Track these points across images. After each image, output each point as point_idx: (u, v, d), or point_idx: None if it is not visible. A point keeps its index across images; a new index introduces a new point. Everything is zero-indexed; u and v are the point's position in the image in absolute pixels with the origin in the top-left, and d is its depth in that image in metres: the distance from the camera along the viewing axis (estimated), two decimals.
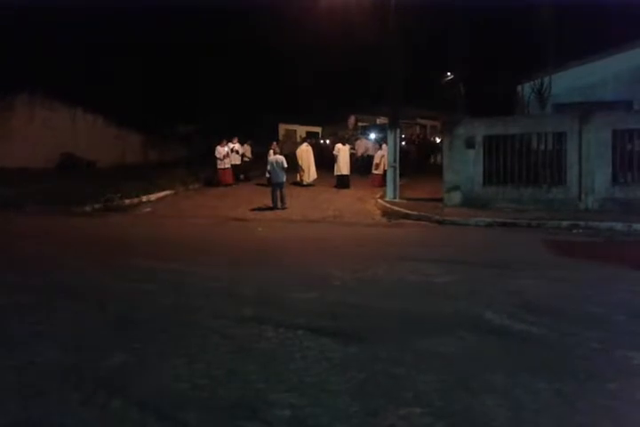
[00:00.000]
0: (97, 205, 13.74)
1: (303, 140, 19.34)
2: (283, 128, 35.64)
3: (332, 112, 33.01)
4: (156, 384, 3.51)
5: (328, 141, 24.13)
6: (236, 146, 18.52)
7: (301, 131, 33.76)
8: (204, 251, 8.22)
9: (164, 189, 16.33)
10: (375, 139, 24.70)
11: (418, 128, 41.24)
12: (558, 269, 6.71)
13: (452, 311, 4.97)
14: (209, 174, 18.45)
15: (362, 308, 5.15)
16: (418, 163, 21.07)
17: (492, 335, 4.33)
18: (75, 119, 25.69)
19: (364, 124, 33.52)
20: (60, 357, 3.96)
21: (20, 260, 7.53)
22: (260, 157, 19.27)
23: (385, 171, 15.17)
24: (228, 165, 18.05)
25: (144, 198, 14.96)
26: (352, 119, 23.43)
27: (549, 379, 3.50)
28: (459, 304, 5.17)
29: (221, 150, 17.77)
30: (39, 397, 3.36)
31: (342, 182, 16.92)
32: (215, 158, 17.94)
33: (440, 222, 11.25)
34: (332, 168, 17.67)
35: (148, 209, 13.70)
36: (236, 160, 18.51)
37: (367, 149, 19.28)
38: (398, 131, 13.76)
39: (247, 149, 19.66)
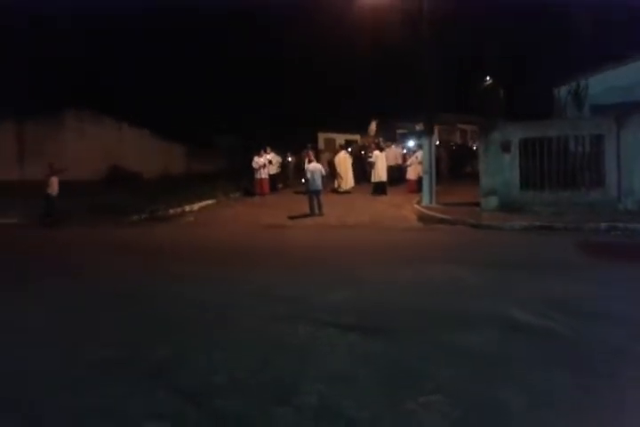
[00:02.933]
0: (143, 216, 14.27)
1: (341, 149, 19.59)
2: (322, 137, 35.95)
3: (370, 120, 33.20)
4: (195, 376, 3.81)
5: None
6: (270, 156, 18.94)
7: (340, 139, 33.98)
8: (242, 256, 8.55)
9: (205, 199, 16.81)
10: (413, 145, 24.67)
11: (458, 133, 40.99)
12: (588, 270, 6.76)
13: (479, 310, 5.12)
14: (247, 184, 18.90)
15: (390, 306, 5.36)
16: (451, 170, 20.96)
17: (516, 332, 4.47)
18: (121, 133, 26.66)
19: (403, 131, 33.56)
20: (111, 353, 4.30)
21: (73, 266, 8.01)
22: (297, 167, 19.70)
23: (420, 177, 15.25)
24: (265, 175, 18.47)
25: (187, 208, 15.45)
26: (372, 125, 23.22)
27: (568, 374, 3.64)
28: (486, 303, 5.32)
29: (258, 161, 18.21)
30: (96, 387, 3.71)
31: (379, 189, 17.09)
32: (252, 169, 18.40)
33: (476, 226, 11.29)
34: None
35: (191, 218, 14.16)
36: (272, 170, 18.93)
37: (396, 158, 19.33)
38: (433, 137, 13.90)
39: (277, 159, 20.01)
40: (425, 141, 13.94)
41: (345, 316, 5.04)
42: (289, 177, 21.15)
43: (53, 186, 14.20)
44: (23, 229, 13.04)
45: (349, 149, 19.21)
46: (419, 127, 35.86)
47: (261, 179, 18.37)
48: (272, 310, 5.27)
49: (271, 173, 18.91)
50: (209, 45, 28.03)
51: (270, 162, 18.76)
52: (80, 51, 24.20)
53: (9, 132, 23.09)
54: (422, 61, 13.46)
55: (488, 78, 34.28)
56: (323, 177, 14.25)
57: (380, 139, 21.21)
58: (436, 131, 42.47)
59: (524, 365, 3.78)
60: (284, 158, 20.88)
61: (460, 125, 39.63)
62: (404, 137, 31.74)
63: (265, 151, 18.81)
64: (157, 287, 6.50)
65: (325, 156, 17.57)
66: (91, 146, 23.92)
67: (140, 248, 9.69)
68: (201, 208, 15.94)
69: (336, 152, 19.66)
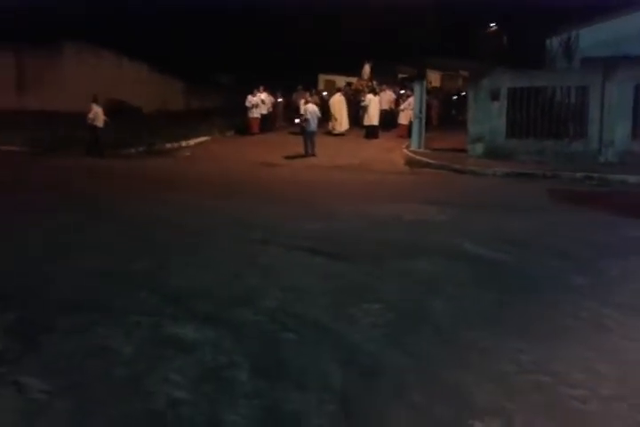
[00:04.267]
0: (141, 149, 14.69)
1: (337, 91, 19.71)
2: (322, 78, 35.72)
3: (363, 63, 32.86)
4: (174, 284, 4.39)
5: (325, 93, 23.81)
6: (263, 96, 19.03)
7: (340, 81, 33.77)
8: (231, 190, 9.08)
9: (202, 135, 17.19)
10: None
11: (461, 80, 40.56)
12: (550, 212, 7.30)
13: (435, 242, 5.69)
14: (239, 123, 19.01)
15: (357, 237, 5.92)
16: (443, 116, 21.06)
17: (462, 260, 5.04)
18: (121, 67, 26.53)
19: (404, 75, 33.31)
20: (100, 262, 4.89)
21: (71, 193, 8.54)
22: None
23: (411, 121, 15.55)
24: (257, 115, 18.62)
25: (183, 143, 15.86)
26: (366, 68, 22.87)
27: (496, 292, 4.23)
28: (444, 237, 5.88)
29: (252, 100, 18.36)
30: (84, 289, 4.30)
31: (371, 132, 17.41)
32: (246, 107, 18.52)
33: (459, 172, 11.77)
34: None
35: (187, 153, 14.62)
36: (263, 110, 19.05)
37: (390, 102, 19.41)
38: (424, 82, 14.11)
39: (270, 100, 19.97)
40: (416, 87, 14.17)
41: (314, 242, 5.59)
42: (278, 117, 21.29)
43: (99, 117, 14.11)
44: (25, 156, 13.49)
45: (341, 91, 19.22)
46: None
47: (253, 118, 18.55)
48: (249, 235, 5.83)
49: (263, 112, 19.03)
50: None
51: (263, 102, 18.90)
52: None
53: (8, 63, 23.05)
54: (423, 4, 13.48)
55: (492, 24, 33.76)
56: (318, 118, 14.57)
57: (374, 82, 21.24)
58: (438, 76, 41.99)
59: (458, 285, 4.36)
60: (276, 98, 20.98)
61: (462, 72, 39.14)
62: (407, 81, 31.56)
63: (259, 91, 18.90)
64: (147, 212, 7.06)
65: (314, 98, 17.66)
66: (90, 79, 23.86)
67: (135, 179, 10.20)
68: (197, 144, 16.34)
69: (318, 95, 19.62)
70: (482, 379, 2.89)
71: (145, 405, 2.70)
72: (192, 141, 16.36)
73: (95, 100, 14.30)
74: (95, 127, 13.98)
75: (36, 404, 2.72)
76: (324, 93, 23.72)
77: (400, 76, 33.85)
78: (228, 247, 5.44)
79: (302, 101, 15.41)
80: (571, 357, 3.15)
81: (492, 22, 35.80)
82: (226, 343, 3.34)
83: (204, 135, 17.38)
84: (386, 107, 18.87)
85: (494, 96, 13.02)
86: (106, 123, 14.12)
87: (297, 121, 15.83)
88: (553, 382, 2.85)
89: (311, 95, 18.87)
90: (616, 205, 7.97)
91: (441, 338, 3.40)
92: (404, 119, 17.55)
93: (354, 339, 3.39)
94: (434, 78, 41.34)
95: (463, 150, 13.69)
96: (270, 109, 19.86)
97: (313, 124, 14.11)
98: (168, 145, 15.20)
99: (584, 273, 4.62)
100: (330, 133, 18.38)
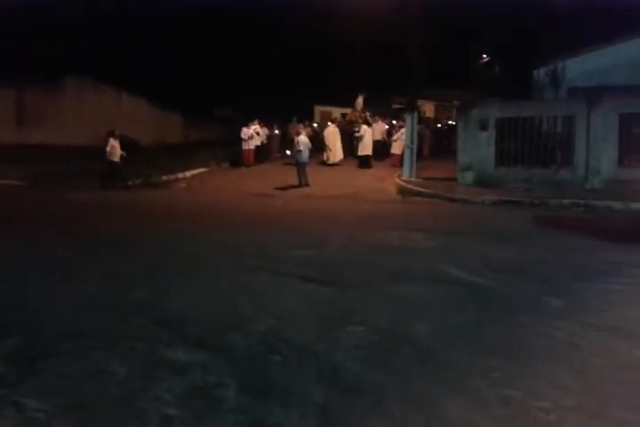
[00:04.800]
0: (137, 181, 14.99)
1: (332, 122, 20.19)
2: (318, 110, 36.43)
3: (371, 94, 33.57)
4: (169, 310, 4.59)
5: (316, 125, 24.45)
6: (257, 128, 19.46)
7: (336, 112, 34.44)
8: (225, 219, 9.33)
9: (198, 167, 17.54)
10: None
11: (455, 110, 41.31)
12: (535, 239, 7.54)
13: (421, 268, 5.91)
14: (235, 154, 19.30)
15: (347, 263, 6.14)
16: (434, 146, 21.50)
17: (446, 285, 5.25)
18: (120, 101, 27.11)
19: (398, 106, 33.95)
20: (98, 290, 5.09)
21: (70, 224, 8.77)
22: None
23: (404, 151, 15.92)
24: (251, 147, 18.98)
25: (180, 175, 16.19)
26: (360, 99, 23.43)
27: (476, 314, 4.43)
28: (429, 263, 6.10)
29: (247, 132, 18.78)
30: (85, 315, 4.49)
31: (365, 162, 17.79)
32: (241, 139, 18.90)
33: (449, 200, 12.06)
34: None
35: (183, 185, 14.91)
36: (258, 141, 19.44)
37: (382, 132, 19.86)
38: (415, 113, 14.54)
39: (264, 132, 20.35)
40: (408, 117, 14.58)
41: (305, 269, 5.81)
42: (273, 149, 21.71)
43: (116, 151, 14.21)
44: (23, 189, 13.76)
45: (334, 123, 19.69)
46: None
47: (248, 150, 18.92)
48: (243, 263, 6.04)
49: (257, 144, 19.41)
50: (208, 17, 28.24)
51: (258, 133, 19.32)
52: (80, 19, 24.48)
53: (8, 98, 23.56)
54: (410, 37, 13.99)
55: (485, 56, 34.69)
56: (309, 149, 14.92)
57: (368, 113, 21.74)
58: (432, 107, 42.64)
59: (441, 308, 4.56)
60: (272, 130, 21.44)
61: (456, 102, 39.93)
62: (401, 112, 32.19)
63: (253, 123, 19.33)
64: (144, 241, 7.29)
65: (307, 130, 18.11)
66: (90, 113, 24.40)
67: (131, 210, 10.47)
68: (193, 176, 16.66)
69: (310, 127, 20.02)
70: (455, 394, 3.08)
71: (139, 421, 2.88)
72: (188, 173, 16.69)
73: (112, 134, 14.46)
74: (112, 162, 14.11)
75: (36, 422, 2.90)
76: (315, 125, 24.28)
77: (394, 106, 34.58)
78: (222, 275, 5.65)
79: (295, 133, 15.81)
80: (539, 373, 3.34)
81: (485, 53, 36.82)
82: (215, 365, 3.52)
83: (201, 167, 17.73)
84: (379, 137, 19.29)
85: (483, 126, 13.41)
86: (122, 157, 14.26)
87: (288, 153, 16.15)
88: (520, 396, 3.04)
89: (305, 126, 19.33)
90: (598, 231, 8.21)
91: (420, 357, 3.60)
92: (396, 149, 17.94)
93: (337, 359, 3.58)
94: (428, 109, 42.14)
95: (454, 179, 14.02)
96: (265, 141, 20.28)
97: (305, 155, 14.46)
98: (164, 177, 15.51)
99: (560, 296, 4.83)
100: (324, 164, 18.76)
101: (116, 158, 14.18)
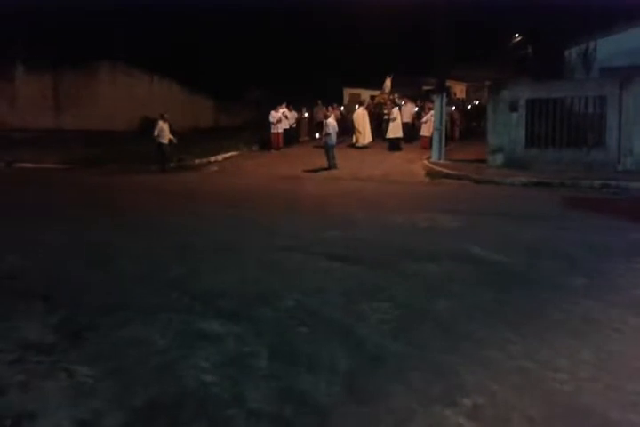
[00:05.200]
0: (171, 164, 15.30)
1: (360, 104, 20.16)
2: (347, 92, 36.31)
3: (401, 76, 33.33)
4: (203, 285, 4.84)
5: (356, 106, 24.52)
6: (285, 111, 19.52)
7: (365, 95, 34.30)
8: (256, 201, 9.55)
9: (229, 151, 17.78)
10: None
11: (486, 90, 40.66)
12: (561, 220, 7.57)
13: (446, 247, 6.03)
14: (264, 138, 19.48)
15: (374, 243, 6.30)
16: (464, 128, 21.29)
17: (469, 263, 5.38)
18: (152, 85, 27.50)
19: (429, 87, 33.62)
20: (137, 268, 5.38)
21: (104, 205, 9.11)
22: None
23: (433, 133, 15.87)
24: (280, 130, 19.08)
25: (212, 159, 16.45)
26: (387, 81, 23.15)
27: (496, 291, 4.57)
28: (454, 243, 6.22)
29: (275, 115, 18.84)
30: (124, 290, 4.77)
31: (394, 145, 17.79)
32: (270, 123, 19.04)
33: (478, 182, 12.04)
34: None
35: (215, 168, 15.17)
36: (286, 125, 19.51)
37: (411, 115, 19.72)
38: (444, 95, 14.47)
39: (292, 115, 20.44)
40: (436, 99, 14.53)
41: (333, 249, 6.00)
42: (301, 132, 21.80)
43: (164, 134, 14.34)
44: (60, 172, 14.21)
45: (363, 105, 19.65)
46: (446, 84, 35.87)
47: (277, 133, 19.02)
48: (272, 243, 6.26)
49: (286, 127, 19.49)
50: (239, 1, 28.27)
51: (286, 117, 19.41)
52: (112, 4, 24.78)
53: (46, 83, 24.13)
54: (436, 17, 13.88)
55: (517, 35, 33.99)
56: (336, 132, 14.98)
57: (396, 95, 21.63)
58: (463, 87, 42.02)
59: (462, 285, 4.70)
60: (300, 114, 21.51)
61: (487, 83, 39.25)
62: (431, 93, 31.90)
63: (281, 106, 19.41)
64: (177, 222, 7.57)
65: (334, 113, 18.13)
66: (124, 97, 24.83)
67: (165, 192, 10.77)
68: (224, 159, 16.91)
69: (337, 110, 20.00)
70: (473, 365, 3.25)
71: (178, 385, 3.13)
72: (220, 157, 16.94)
73: (162, 117, 14.64)
74: (160, 144, 14.33)
75: (85, 386, 3.17)
76: (342, 108, 24.31)
77: (424, 88, 34.26)
78: (253, 254, 5.88)
79: (323, 116, 15.87)
80: (558, 347, 3.48)
81: (517, 33, 36.09)
82: (247, 336, 3.75)
83: (231, 150, 17.97)
84: (407, 119, 19.22)
85: (513, 107, 13.29)
86: (170, 141, 14.42)
87: (317, 135, 16.23)
88: (536, 368, 3.19)
89: (333, 109, 19.35)
90: (628, 212, 8.18)
91: (440, 330, 3.76)
92: (426, 131, 17.85)
93: (362, 332, 3.77)
94: (459, 89, 41.61)
95: (483, 161, 13.96)
96: (293, 124, 20.37)
97: (333, 138, 14.55)
98: (197, 161, 15.79)
99: (584, 275, 4.92)
100: (353, 146, 18.82)
101: (165, 140, 14.36)
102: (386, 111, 18.85)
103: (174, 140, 14.48)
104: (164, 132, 14.33)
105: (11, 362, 3.41)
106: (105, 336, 3.84)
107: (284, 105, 19.63)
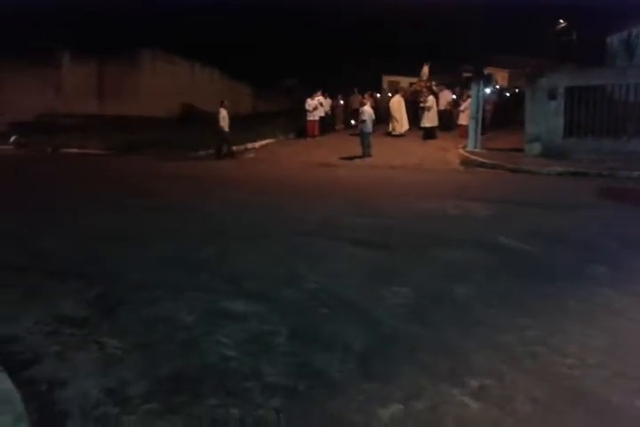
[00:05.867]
0: (210, 151, 15.62)
1: (396, 92, 20.08)
2: (386, 80, 36.10)
3: (440, 63, 32.92)
4: (231, 267, 5.02)
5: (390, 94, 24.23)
6: (321, 99, 19.57)
7: (404, 82, 34.02)
8: (289, 188, 9.73)
9: (266, 138, 18.02)
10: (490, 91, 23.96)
11: (525, 78, 39.74)
12: (594, 210, 7.48)
13: (472, 235, 6.07)
14: (300, 126, 19.61)
15: (400, 230, 6.39)
16: (503, 116, 20.89)
17: (493, 251, 5.42)
18: (193, 73, 27.88)
19: (469, 74, 33.11)
20: (168, 249, 5.61)
21: (148, 191, 9.42)
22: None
23: None
24: (316, 118, 19.13)
25: (249, 146, 16.72)
26: (425, 69, 22.90)
27: (517, 279, 4.61)
28: (480, 231, 6.26)
29: (311, 103, 18.92)
30: (154, 272, 5.00)
31: (429, 133, 17.69)
32: (305, 111, 19.13)
33: (513, 171, 11.93)
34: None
35: (252, 155, 15.43)
36: (322, 113, 19.57)
37: (448, 103, 19.49)
38: (481, 82, 14.30)
39: (327, 103, 20.46)
40: (474, 87, 14.38)
41: (360, 234, 6.12)
42: (337, 120, 21.83)
43: (225, 120, 14.86)
44: (102, 157, 14.67)
45: (400, 93, 19.55)
46: (487, 71, 35.29)
47: (313, 121, 19.09)
48: (301, 228, 6.41)
49: (321, 115, 19.53)
50: None
51: (321, 104, 19.46)
52: None
53: (90, 71, 24.73)
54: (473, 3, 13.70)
55: (561, 21, 33.12)
56: (373, 120, 14.99)
57: (434, 83, 21.42)
58: (505, 75, 41.19)
59: (483, 272, 4.76)
60: (336, 101, 21.54)
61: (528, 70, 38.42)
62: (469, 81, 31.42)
63: (317, 94, 19.45)
64: (210, 207, 7.80)
65: (369, 100, 18.08)
66: (164, 85, 25.28)
67: (203, 178, 11.04)
68: (261, 146, 17.16)
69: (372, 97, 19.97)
70: (485, 348, 3.33)
71: (201, 359, 3.31)
72: (257, 144, 17.18)
73: (223, 105, 15.05)
74: (223, 131, 14.74)
75: (114, 358, 3.38)
76: (378, 95, 24.18)
77: (465, 75, 33.75)
78: (279, 238, 6.05)
79: (359, 104, 15.90)
80: (571, 333, 3.53)
81: (562, 19, 35.16)
82: (270, 316, 3.91)
83: (268, 138, 18.19)
84: (444, 107, 19.06)
85: (552, 95, 13.08)
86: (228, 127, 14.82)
87: (353, 122, 16.26)
88: (548, 353, 3.26)
89: (370, 96, 19.32)
90: None
91: (457, 315, 3.85)
92: (463, 120, 17.67)
93: (379, 314, 3.89)
94: (501, 77, 40.79)
95: (520, 150, 13.80)
96: (329, 112, 20.43)
97: (369, 126, 14.57)
98: (234, 148, 16.05)
99: (606, 264, 4.91)
100: (389, 134, 18.78)
101: (226, 128, 14.74)
102: (422, 99, 18.71)
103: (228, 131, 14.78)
104: (225, 119, 14.67)
105: (47, 333, 3.64)
106: (135, 312, 4.05)
107: (319, 93, 19.70)
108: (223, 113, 14.72)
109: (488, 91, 25.76)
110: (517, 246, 5.56)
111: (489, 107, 19.55)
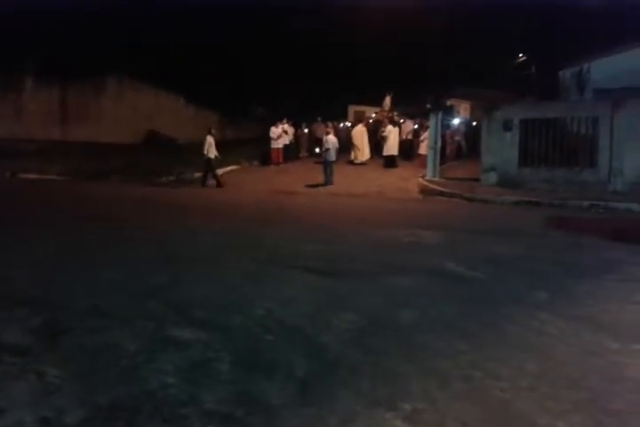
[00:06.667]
0: (171, 178, 15.61)
1: (359, 122, 20.50)
2: (352, 109, 36.77)
3: (404, 94, 33.72)
4: (181, 294, 5.02)
5: (349, 124, 24.77)
6: (286, 126, 19.89)
7: (370, 112, 34.70)
8: (247, 215, 9.78)
9: (230, 165, 18.10)
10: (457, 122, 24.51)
11: (482, 110, 40.90)
12: (539, 238, 7.74)
13: (423, 262, 6.21)
14: (264, 153, 19.76)
15: (353, 257, 6.48)
16: (468, 147, 21.51)
17: (441, 278, 5.55)
18: (158, 99, 27.95)
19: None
20: (119, 276, 5.57)
21: (103, 217, 9.34)
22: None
23: None
24: (280, 145, 19.39)
25: None
26: (387, 100, 23.51)
27: (462, 305, 4.73)
28: (430, 258, 6.40)
29: (275, 131, 19.21)
30: (103, 299, 4.97)
31: (390, 162, 18.04)
32: (269, 138, 19.32)
33: (469, 200, 12.24)
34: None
35: (212, 182, 15.44)
36: (286, 140, 19.86)
37: (410, 133, 20.01)
38: (439, 114, 14.72)
39: (292, 131, 20.76)
40: (432, 118, 14.78)
41: (313, 262, 6.18)
42: (301, 148, 22.15)
43: (213, 149, 14.85)
44: (63, 184, 14.51)
45: (363, 122, 20.01)
46: (449, 102, 36.25)
47: (277, 148, 19.33)
48: (255, 256, 6.45)
49: (285, 143, 19.80)
50: (242, 18, 28.87)
51: (286, 132, 19.74)
52: (121, 19, 25.33)
53: (53, 96, 24.59)
54: (431, 37, 14.19)
55: (521, 55, 34.40)
56: (336, 149, 15.26)
57: (395, 113, 21.96)
58: (467, 106, 42.31)
59: (430, 298, 4.87)
60: (300, 129, 21.90)
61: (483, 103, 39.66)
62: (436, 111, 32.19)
63: (282, 122, 19.75)
64: (166, 234, 7.78)
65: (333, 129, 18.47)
66: (129, 111, 25.30)
67: (161, 204, 11.01)
68: (225, 173, 17.20)
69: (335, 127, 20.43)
70: (422, 372, 3.41)
71: (141, 387, 3.30)
72: (220, 170, 17.21)
73: (210, 132, 15.10)
74: (209, 159, 14.75)
75: (52, 386, 3.34)
76: (341, 125, 24.68)
77: (428, 106, 34.60)
78: (234, 266, 6.07)
79: (324, 132, 16.18)
80: (506, 357, 3.63)
81: (521, 53, 36.51)
82: (215, 343, 3.92)
83: (232, 165, 18.29)
84: (405, 137, 19.51)
85: (507, 127, 13.53)
86: (216, 157, 14.87)
87: (317, 151, 16.52)
88: (482, 376, 3.35)
89: (333, 126, 19.68)
90: (608, 231, 8.32)
91: (399, 340, 3.93)
92: (423, 150, 18.09)
93: (324, 340, 3.94)
94: (463, 108, 41.92)
95: (477, 179, 14.17)
96: (293, 140, 20.71)
97: (332, 154, 14.81)
98: (197, 174, 16.08)
99: (548, 289, 5.08)
100: (351, 163, 19.08)
101: (212, 155, 14.77)
102: (383, 129, 19.14)
103: (219, 157, 14.82)
104: (212, 146, 14.69)
105: None
106: (80, 340, 4.01)
107: (284, 121, 19.99)
108: (209, 140, 14.81)
109: (456, 121, 26.48)
110: (465, 273, 5.70)
111: (458, 137, 20.11)
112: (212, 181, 15.38)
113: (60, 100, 24.76)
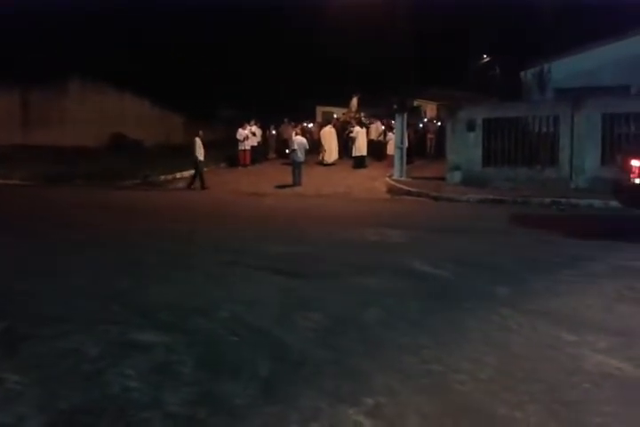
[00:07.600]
0: (136, 181, 15.44)
1: (328, 123, 20.60)
2: (320, 110, 36.85)
3: (371, 95, 33.92)
4: (146, 298, 4.98)
5: (311, 125, 24.91)
6: (253, 128, 19.88)
7: (338, 113, 34.83)
8: (213, 217, 9.76)
9: None
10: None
11: (446, 110, 41.49)
12: (503, 235, 7.90)
13: (389, 261, 6.28)
14: (232, 155, 19.74)
15: (320, 257, 6.52)
16: (434, 147, 21.76)
17: (406, 276, 5.62)
18: (123, 101, 27.58)
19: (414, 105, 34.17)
20: (84, 281, 5.51)
21: (65, 222, 9.21)
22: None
23: None
24: (247, 147, 19.39)
25: (178, 175, 16.62)
26: (354, 101, 23.66)
27: (425, 302, 4.81)
28: (397, 257, 6.47)
29: (242, 132, 19.20)
30: (66, 304, 4.90)
31: (359, 163, 18.17)
32: (237, 140, 19.30)
33: (435, 198, 12.41)
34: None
35: (181, 184, 15.35)
36: (254, 142, 19.86)
37: (379, 133, 20.18)
38: (404, 115, 14.90)
39: (259, 132, 20.79)
40: (398, 119, 14.93)
41: (279, 263, 6.20)
42: (269, 149, 22.17)
43: (201, 151, 14.80)
44: (25, 189, 14.24)
45: (331, 123, 20.12)
46: (416, 103, 36.58)
47: (244, 150, 19.32)
48: (220, 258, 6.44)
49: (253, 144, 19.79)
50: (210, 18, 28.68)
51: (253, 134, 19.72)
52: (85, 19, 24.93)
53: (13, 99, 24.08)
54: (397, 38, 14.35)
55: (485, 56, 34.97)
56: (305, 150, 15.30)
57: (362, 114, 22.11)
58: (434, 107, 42.71)
59: (394, 296, 4.93)
60: (268, 131, 21.91)
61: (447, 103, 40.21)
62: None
63: (250, 123, 19.72)
64: (128, 238, 7.71)
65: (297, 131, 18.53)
66: (93, 113, 24.90)
67: (124, 208, 10.90)
68: (191, 175, 17.05)
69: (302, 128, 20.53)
70: (384, 368, 3.46)
71: (103, 391, 3.27)
72: (186, 173, 17.08)
73: (199, 135, 15.03)
74: (197, 161, 14.69)
75: (12, 393, 3.29)
76: (309, 126, 24.74)
77: (395, 107, 34.88)
78: (200, 268, 6.05)
79: (293, 133, 16.21)
80: (466, 351, 3.71)
81: (485, 54, 37.13)
82: (178, 346, 3.91)
83: None
84: (374, 138, 19.66)
85: (470, 127, 13.75)
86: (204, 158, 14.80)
87: (287, 151, 16.57)
88: (442, 370, 3.41)
89: (301, 127, 19.74)
90: (569, 227, 8.54)
91: (362, 338, 3.97)
92: (391, 150, 18.25)
93: (289, 340, 3.95)
94: (430, 109, 42.39)
95: (443, 179, 14.36)
96: (261, 142, 20.69)
97: (301, 155, 14.84)
98: (162, 177, 15.96)
99: (509, 285, 5.19)
100: (320, 164, 19.14)
101: (201, 157, 14.74)
102: (350, 129, 19.26)
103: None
104: (201, 148, 14.69)
105: None
106: (41, 346, 3.95)
107: (252, 122, 19.95)
108: (198, 142, 14.74)
109: (425, 121, 26.76)
110: (430, 271, 5.78)
111: (431, 136, 20.34)
112: (180, 184, 15.30)
113: (22, 103, 24.26)
